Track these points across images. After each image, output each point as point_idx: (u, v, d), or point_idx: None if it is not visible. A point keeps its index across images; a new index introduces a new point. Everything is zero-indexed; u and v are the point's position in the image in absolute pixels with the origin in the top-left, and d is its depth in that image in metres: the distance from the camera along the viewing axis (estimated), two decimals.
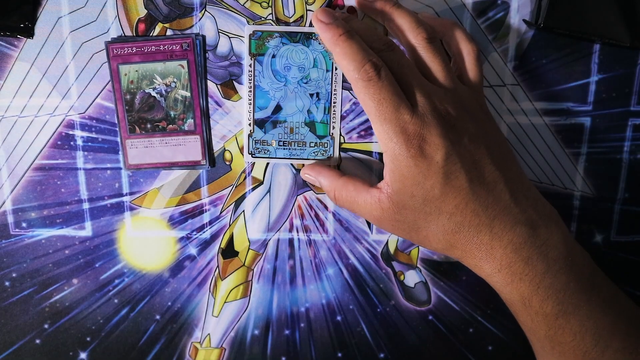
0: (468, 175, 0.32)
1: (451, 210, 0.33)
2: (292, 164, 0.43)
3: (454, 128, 0.33)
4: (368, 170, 0.43)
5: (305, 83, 0.41)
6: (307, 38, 0.40)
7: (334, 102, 0.41)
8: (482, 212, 0.33)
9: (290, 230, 0.44)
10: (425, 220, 0.34)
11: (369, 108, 0.34)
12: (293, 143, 0.42)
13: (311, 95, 0.41)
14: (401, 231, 0.36)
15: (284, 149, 0.42)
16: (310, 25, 0.40)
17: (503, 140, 0.36)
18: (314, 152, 0.42)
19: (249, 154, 0.42)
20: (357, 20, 0.38)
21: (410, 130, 0.33)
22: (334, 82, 0.41)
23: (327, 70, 0.41)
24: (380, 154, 0.43)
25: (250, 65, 0.41)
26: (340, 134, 0.42)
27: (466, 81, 0.37)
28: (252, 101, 0.41)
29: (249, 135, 0.42)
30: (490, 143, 0.34)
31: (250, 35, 0.40)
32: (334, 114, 0.41)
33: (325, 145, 0.42)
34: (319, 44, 0.40)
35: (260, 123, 0.42)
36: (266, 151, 0.42)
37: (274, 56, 0.41)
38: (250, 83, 0.41)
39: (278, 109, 0.41)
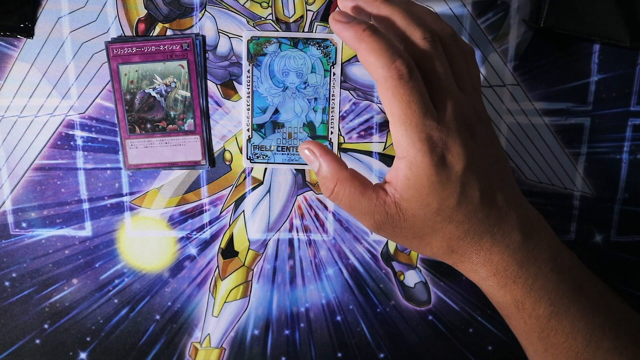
0: (480, 185, 0.32)
1: (461, 218, 0.33)
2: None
3: (474, 137, 0.32)
4: (368, 170, 0.43)
5: (304, 88, 0.41)
6: (305, 43, 0.40)
7: (332, 107, 0.41)
8: (486, 220, 0.33)
9: (290, 230, 0.44)
10: (432, 229, 0.33)
11: (394, 109, 0.31)
12: (291, 148, 0.42)
13: (309, 100, 0.41)
14: (402, 238, 0.34)
15: (283, 154, 0.42)
16: (310, 28, 0.40)
17: (500, 145, 0.36)
18: None
19: (248, 159, 0.42)
20: (393, 1, 0.34)
21: (435, 137, 0.31)
22: (332, 87, 0.41)
23: (325, 76, 0.41)
24: (381, 155, 0.43)
25: (248, 71, 0.41)
26: (340, 134, 0.42)
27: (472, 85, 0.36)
28: (250, 106, 0.41)
29: (247, 141, 0.42)
30: (495, 151, 0.34)
31: (248, 40, 0.40)
32: (332, 119, 0.41)
33: None
34: (317, 49, 0.40)
35: (258, 128, 0.42)
36: (265, 156, 0.42)
37: (272, 62, 0.41)
38: (248, 88, 0.41)
39: (276, 114, 0.42)
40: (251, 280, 0.45)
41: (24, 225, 0.43)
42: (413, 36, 0.33)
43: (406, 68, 0.31)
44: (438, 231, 0.33)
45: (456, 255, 0.34)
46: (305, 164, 0.42)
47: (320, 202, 0.44)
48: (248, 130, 0.42)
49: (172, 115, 0.41)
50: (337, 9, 0.37)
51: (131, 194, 0.43)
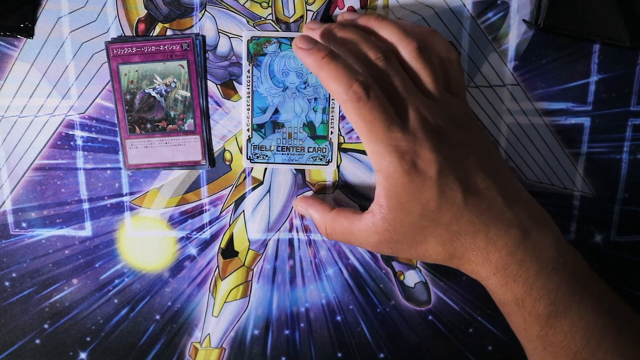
0: (461, 186, 0.33)
1: (447, 221, 0.33)
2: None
3: (445, 141, 0.33)
4: (368, 170, 0.43)
5: (304, 88, 0.41)
6: None
7: (332, 107, 0.41)
8: (476, 220, 0.33)
9: (290, 230, 0.44)
10: (423, 235, 0.34)
11: (360, 129, 0.34)
12: (291, 148, 0.42)
13: (309, 100, 0.41)
14: (400, 251, 0.36)
15: (283, 154, 0.42)
16: None
17: (492, 147, 0.37)
18: (312, 158, 0.42)
19: (248, 159, 0.42)
20: (350, 28, 0.37)
21: (402, 147, 0.33)
22: None
23: None
24: None
25: (248, 71, 0.41)
26: (340, 134, 0.42)
27: (451, 90, 0.37)
28: (250, 106, 0.41)
29: (247, 141, 0.42)
30: (480, 151, 0.35)
31: (248, 40, 0.40)
32: (332, 119, 0.41)
33: (324, 150, 0.42)
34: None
35: (258, 128, 0.42)
36: (265, 156, 0.42)
37: (272, 62, 0.41)
38: (248, 88, 0.41)
39: (276, 114, 0.42)
40: (251, 280, 0.45)
41: (24, 225, 0.43)
42: (368, 58, 0.35)
43: (363, 90, 0.33)
44: (429, 236, 0.34)
45: (456, 259, 0.35)
46: (305, 164, 0.42)
47: None
48: (248, 130, 0.42)
49: (172, 115, 0.42)
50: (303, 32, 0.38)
51: (131, 194, 0.43)
